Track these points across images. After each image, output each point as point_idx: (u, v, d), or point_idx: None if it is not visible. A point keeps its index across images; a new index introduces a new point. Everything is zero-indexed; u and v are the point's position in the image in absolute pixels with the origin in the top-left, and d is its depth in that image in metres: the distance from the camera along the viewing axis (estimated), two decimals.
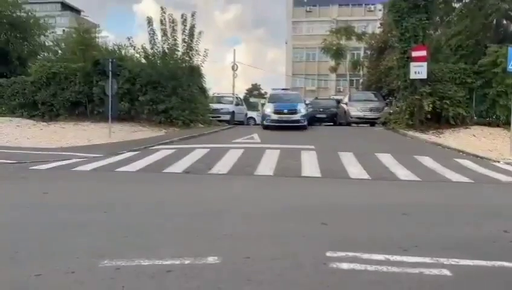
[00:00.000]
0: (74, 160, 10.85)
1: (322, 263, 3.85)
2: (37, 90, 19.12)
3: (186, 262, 3.80)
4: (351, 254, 4.05)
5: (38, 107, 19.25)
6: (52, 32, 31.73)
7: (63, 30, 41.45)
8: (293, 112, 17.05)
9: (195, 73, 18.83)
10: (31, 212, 5.92)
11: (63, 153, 12.03)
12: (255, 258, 3.98)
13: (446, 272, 3.71)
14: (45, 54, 28.82)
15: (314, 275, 3.62)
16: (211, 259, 3.88)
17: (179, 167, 9.77)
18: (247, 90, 62.08)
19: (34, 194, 7.15)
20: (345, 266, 3.78)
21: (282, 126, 16.67)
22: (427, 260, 3.96)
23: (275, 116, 16.94)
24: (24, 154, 11.80)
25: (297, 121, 16.94)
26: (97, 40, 22.31)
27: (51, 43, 30.70)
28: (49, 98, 18.97)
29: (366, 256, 4.01)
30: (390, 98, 20.91)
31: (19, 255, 3.97)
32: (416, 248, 4.32)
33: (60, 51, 30.65)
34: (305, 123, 17.27)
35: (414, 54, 16.22)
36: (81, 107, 18.98)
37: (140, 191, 7.57)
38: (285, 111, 17.05)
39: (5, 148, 13.10)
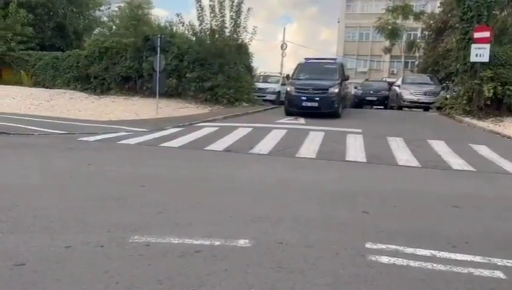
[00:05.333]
0: (121, 133, 11.08)
1: (360, 255, 3.58)
2: (90, 64, 19.71)
3: (216, 243, 3.67)
4: (392, 247, 3.75)
5: (91, 80, 19.88)
6: (108, 8, 32.60)
7: (118, 7, 42.51)
8: None
9: (242, 51, 18.59)
10: (72, 182, 6.05)
11: (112, 126, 12.33)
12: (289, 244, 3.78)
13: (499, 274, 3.34)
14: (100, 29, 29.79)
15: (350, 267, 3.37)
16: (242, 242, 3.73)
17: (220, 145, 9.69)
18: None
19: (78, 165, 7.31)
20: (384, 259, 3.50)
21: None
22: (478, 259, 3.59)
23: None
24: (74, 125, 12.23)
25: None
26: (150, 15, 22.64)
27: (106, 19, 31.61)
28: (101, 72, 19.52)
29: (409, 250, 3.70)
30: (447, 82, 19.74)
31: (53, 225, 4.01)
32: (467, 245, 3.94)
33: (114, 26, 31.57)
34: None
35: (476, 35, 15.02)
36: (131, 82, 19.39)
37: (180, 168, 7.55)
38: None
39: (57, 119, 13.65)
